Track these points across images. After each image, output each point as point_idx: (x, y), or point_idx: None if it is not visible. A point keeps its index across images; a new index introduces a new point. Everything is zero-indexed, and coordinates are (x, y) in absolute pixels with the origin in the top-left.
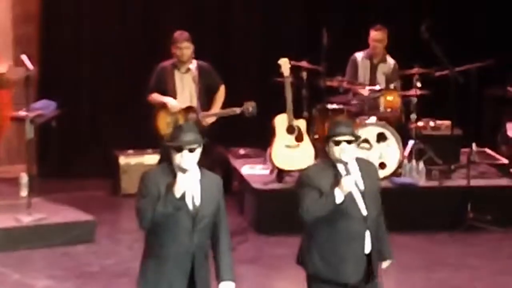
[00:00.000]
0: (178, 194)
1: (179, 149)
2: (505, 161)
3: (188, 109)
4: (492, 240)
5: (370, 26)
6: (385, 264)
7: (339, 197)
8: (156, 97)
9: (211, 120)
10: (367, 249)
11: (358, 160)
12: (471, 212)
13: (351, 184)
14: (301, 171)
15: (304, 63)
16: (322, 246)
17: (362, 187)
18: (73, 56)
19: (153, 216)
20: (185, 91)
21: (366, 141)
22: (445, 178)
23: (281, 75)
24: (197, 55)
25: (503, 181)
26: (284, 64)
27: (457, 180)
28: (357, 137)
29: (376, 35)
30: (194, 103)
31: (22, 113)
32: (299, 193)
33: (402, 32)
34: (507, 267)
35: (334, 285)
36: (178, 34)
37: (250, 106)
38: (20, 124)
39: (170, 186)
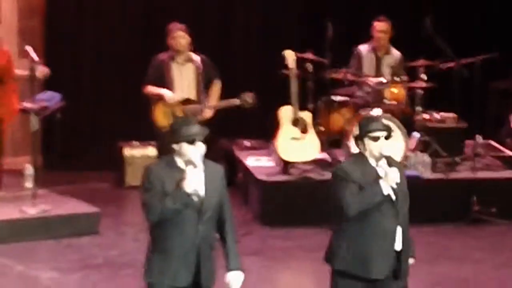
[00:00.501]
0: (189, 190)
1: (192, 142)
2: (510, 153)
3: (186, 101)
4: (497, 233)
5: (374, 18)
6: (409, 262)
7: (385, 190)
8: (152, 89)
9: (209, 114)
10: (398, 246)
11: (385, 157)
12: (476, 205)
13: (397, 176)
14: (335, 167)
15: (309, 55)
16: (353, 241)
17: (399, 180)
18: (77, 48)
19: (162, 212)
20: (183, 82)
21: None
22: (450, 170)
23: (286, 67)
24: (200, 48)
25: (508, 174)
26: (289, 56)
27: (462, 173)
28: (391, 132)
29: (380, 26)
30: (192, 95)
31: (27, 105)
32: (336, 188)
33: (406, 25)
34: (511, 259)
35: (361, 281)
36: (172, 25)
37: (248, 97)
38: (25, 116)
39: (179, 182)
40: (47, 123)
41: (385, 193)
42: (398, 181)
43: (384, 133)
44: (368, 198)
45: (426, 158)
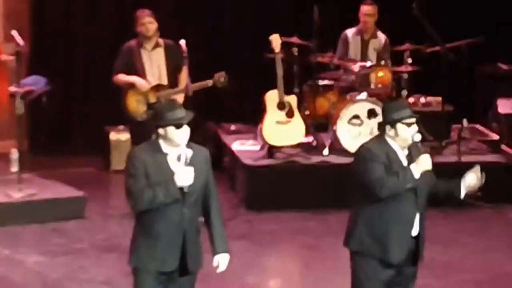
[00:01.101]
0: (181, 184)
1: (179, 125)
2: (496, 137)
3: (158, 87)
4: (483, 217)
5: (361, 2)
6: None
7: (416, 174)
8: (122, 77)
9: (180, 98)
10: (415, 231)
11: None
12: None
13: (429, 161)
14: (359, 148)
15: (295, 39)
16: (372, 224)
17: (430, 166)
18: (64, 31)
19: (151, 204)
20: (153, 68)
21: (357, 117)
22: (436, 154)
23: (272, 51)
24: (189, 32)
25: (494, 157)
26: (275, 40)
27: (448, 156)
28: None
29: (366, 10)
30: (164, 80)
31: (13, 88)
32: (364, 169)
33: (393, 8)
34: (498, 243)
35: (379, 264)
36: (139, 11)
37: (221, 77)
38: (10, 99)
39: (172, 176)
40: (32, 107)
41: (417, 177)
42: (430, 167)
43: (415, 119)
44: (401, 182)
45: None
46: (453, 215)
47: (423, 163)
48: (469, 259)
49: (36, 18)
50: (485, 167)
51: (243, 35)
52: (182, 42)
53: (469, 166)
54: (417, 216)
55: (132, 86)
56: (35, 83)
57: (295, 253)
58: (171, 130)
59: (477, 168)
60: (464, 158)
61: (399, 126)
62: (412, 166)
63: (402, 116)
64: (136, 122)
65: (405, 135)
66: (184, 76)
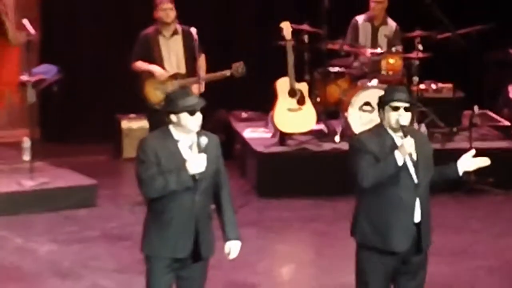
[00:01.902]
0: (193, 172)
1: (192, 112)
2: (507, 123)
3: (176, 75)
4: (494, 203)
5: None
6: None
7: (399, 159)
8: (141, 65)
9: (201, 89)
10: (417, 218)
11: (408, 129)
12: (473, 175)
13: (411, 146)
14: (352, 138)
15: (305, 27)
16: (371, 213)
17: (414, 156)
18: (74, 20)
19: (163, 191)
20: (171, 57)
21: (368, 104)
22: (447, 140)
23: (282, 38)
24: (198, 20)
25: (505, 144)
26: (286, 27)
27: (459, 143)
28: (413, 104)
29: None
30: (182, 68)
31: (24, 77)
32: (352, 159)
33: None
34: (509, 229)
35: (382, 254)
36: None
37: (239, 67)
38: (22, 88)
39: (183, 163)
40: (44, 96)
41: (400, 163)
42: (413, 151)
43: (405, 104)
44: (383, 169)
45: (423, 128)
46: (464, 201)
47: (406, 147)
48: (480, 245)
49: (47, 7)
50: (496, 153)
51: (253, 22)
52: (193, 30)
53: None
54: (417, 202)
55: (150, 74)
56: (47, 71)
57: (306, 240)
58: (184, 116)
59: (472, 151)
60: (475, 144)
61: (386, 108)
62: (395, 152)
63: (389, 99)
64: (154, 111)
65: (389, 117)
66: (202, 63)
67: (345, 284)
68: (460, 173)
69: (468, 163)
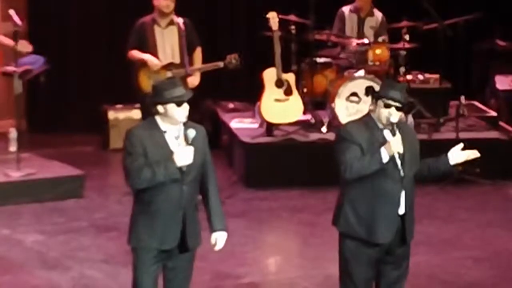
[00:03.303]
0: (180, 164)
1: (179, 103)
2: (494, 114)
3: (170, 66)
4: (481, 193)
5: None
6: None
7: (385, 157)
8: (136, 54)
9: (196, 81)
10: (402, 210)
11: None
12: (460, 165)
13: (399, 145)
14: (339, 126)
15: (292, 17)
16: (356, 203)
17: (401, 149)
18: (61, 11)
19: (150, 182)
20: (166, 47)
21: (355, 94)
22: (434, 131)
23: (269, 29)
24: (185, 10)
25: (492, 134)
26: (273, 18)
27: (446, 133)
28: (406, 106)
29: None
30: (176, 59)
31: (11, 68)
32: (338, 149)
33: None
34: (496, 219)
35: (365, 244)
36: None
37: (232, 59)
38: (8, 79)
39: (171, 155)
40: (31, 87)
41: (385, 161)
42: (400, 150)
43: (398, 104)
44: (367, 164)
45: (409, 119)
46: (452, 191)
47: (393, 146)
48: (467, 236)
49: None
50: (483, 144)
51: (240, 12)
52: (180, 20)
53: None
54: (403, 194)
55: (144, 63)
56: (33, 62)
57: (294, 230)
58: (171, 107)
59: (461, 145)
60: (462, 135)
61: (378, 103)
62: (382, 149)
63: (383, 95)
64: (147, 99)
65: (380, 112)
66: (198, 55)
67: (332, 274)
68: (452, 164)
69: (457, 155)
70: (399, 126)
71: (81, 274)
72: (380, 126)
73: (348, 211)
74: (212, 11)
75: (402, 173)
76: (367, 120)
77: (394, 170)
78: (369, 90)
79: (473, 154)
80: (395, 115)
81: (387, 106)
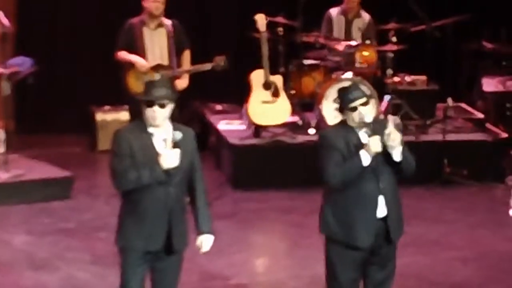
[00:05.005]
0: (167, 167)
1: (150, 104)
2: (481, 115)
3: (158, 67)
4: (468, 194)
5: None
6: None
7: (365, 160)
8: (124, 55)
9: (184, 84)
10: (381, 212)
11: (373, 122)
12: (447, 167)
13: (377, 144)
14: (320, 133)
15: (280, 19)
16: (335, 207)
17: (379, 148)
18: (50, 12)
19: (135, 184)
20: (154, 48)
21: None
22: (421, 133)
23: (257, 30)
24: (174, 11)
25: (479, 136)
26: (260, 19)
27: (433, 135)
28: (369, 96)
29: None
30: (164, 60)
31: None
32: (321, 157)
33: None
34: (483, 220)
35: (347, 247)
36: None
37: (220, 61)
38: None
39: (157, 158)
40: (19, 88)
41: (365, 164)
42: (379, 150)
43: (361, 101)
44: (349, 169)
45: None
46: (439, 192)
47: (372, 147)
48: (455, 237)
49: None
50: (470, 145)
51: (229, 14)
52: (169, 22)
53: (454, 144)
54: (381, 197)
55: (132, 65)
56: (21, 64)
57: (281, 232)
58: (144, 108)
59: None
60: (449, 137)
61: (346, 111)
62: (361, 152)
63: (345, 102)
64: (135, 101)
65: (353, 118)
66: (187, 58)
67: (320, 275)
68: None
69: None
70: (377, 127)
71: (69, 275)
72: (356, 130)
73: (328, 214)
74: (201, 12)
75: (379, 174)
76: (345, 125)
77: (370, 172)
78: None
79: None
80: (366, 113)
81: (353, 109)
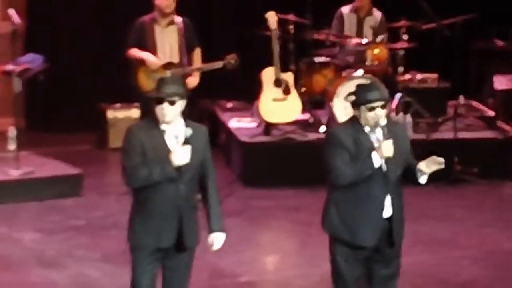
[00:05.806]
0: (178, 163)
1: (160, 101)
2: (492, 113)
3: (168, 65)
4: (478, 193)
5: None
6: None
7: (376, 162)
8: (135, 52)
9: (195, 82)
10: (387, 213)
11: (387, 125)
12: (457, 165)
13: (390, 149)
14: (328, 131)
15: (291, 16)
16: (340, 206)
17: (391, 153)
18: (60, 10)
19: (146, 181)
20: (165, 46)
21: (353, 94)
22: (432, 130)
23: (268, 28)
24: (182, 8)
25: (490, 134)
26: (271, 17)
27: (444, 133)
28: (388, 100)
29: None
30: (175, 58)
31: (9, 67)
32: (327, 154)
33: None
34: (492, 219)
35: (351, 246)
36: None
37: (231, 59)
38: (7, 78)
39: (168, 155)
40: (29, 85)
41: (376, 166)
42: (391, 154)
43: (381, 103)
44: (360, 171)
45: (408, 118)
46: (448, 190)
47: (384, 151)
48: (464, 235)
49: None
50: (481, 143)
51: (239, 11)
52: (180, 20)
53: (465, 142)
54: (388, 197)
55: (143, 62)
56: (32, 61)
57: (291, 230)
58: (156, 106)
59: (432, 158)
60: (460, 135)
61: (362, 108)
62: (373, 154)
63: (365, 100)
64: (146, 99)
65: (367, 118)
66: (198, 56)
67: (329, 273)
68: (420, 180)
69: (425, 168)
70: (390, 128)
71: (78, 273)
72: (367, 129)
73: (333, 213)
74: (210, 9)
75: (387, 176)
76: (355, 124)
77: (379, 173)
78: (347, 98)
79: (439, 164)
80: (382, 116)
81: (371, 109)
